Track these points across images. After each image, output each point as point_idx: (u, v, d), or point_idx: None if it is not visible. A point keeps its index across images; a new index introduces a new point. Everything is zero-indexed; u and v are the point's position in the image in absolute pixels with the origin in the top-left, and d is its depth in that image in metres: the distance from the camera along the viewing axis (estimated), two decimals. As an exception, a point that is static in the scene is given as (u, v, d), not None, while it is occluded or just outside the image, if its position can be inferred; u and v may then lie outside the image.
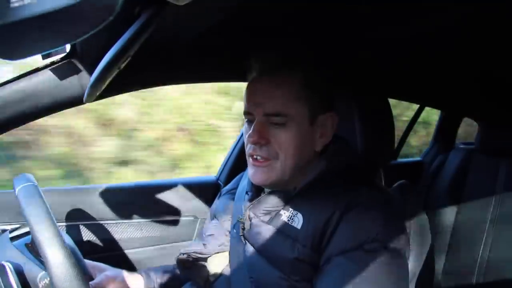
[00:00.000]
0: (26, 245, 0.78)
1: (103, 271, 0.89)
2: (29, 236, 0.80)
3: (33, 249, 0.75)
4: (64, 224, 1.26)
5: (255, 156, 0.81)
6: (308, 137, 0.81)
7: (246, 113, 0.83)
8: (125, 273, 0.93)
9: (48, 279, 0.66)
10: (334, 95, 0.86)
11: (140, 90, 1.05)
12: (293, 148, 0.79)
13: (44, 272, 0.69)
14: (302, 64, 0.81)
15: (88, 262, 0.89)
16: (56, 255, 0.58)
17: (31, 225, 0.61)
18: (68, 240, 0.81)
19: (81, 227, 1.29)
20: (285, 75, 0.79)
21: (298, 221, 0.79)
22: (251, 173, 0.83)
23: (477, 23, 0.84)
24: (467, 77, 1.31)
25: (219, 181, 1.58)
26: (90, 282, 0.84)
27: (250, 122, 0.83)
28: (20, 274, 0.69)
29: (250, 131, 0.80)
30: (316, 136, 0.82)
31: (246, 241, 0.87)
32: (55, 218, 0.65)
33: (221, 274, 0.94)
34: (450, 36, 0.93)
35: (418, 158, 2.22)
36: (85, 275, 0.74)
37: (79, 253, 0.83)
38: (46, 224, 0.61)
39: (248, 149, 0.83)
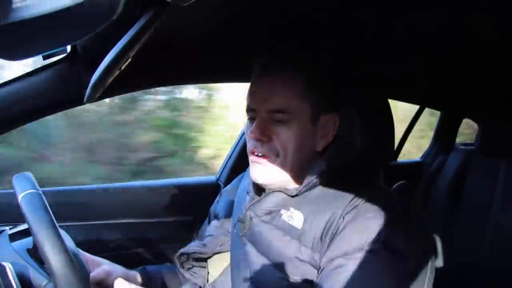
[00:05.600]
0: (28, 250, 0.77)
1: (100, 265, 0.89)
2: (30, 239, 0.80)
3: (35, 256, 0.75)
4: (64, 224, 1.26)
5: (256, 153, 0.81)
6: (309, 136, 0.81)
7: (249, 109, 0.83)
8: (123, 269, 0.93)
9: None
10: (338, 97, 0.86)
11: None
12: (294, 146, 0.79)
13: (49, 282, 0.68)
14: (306, 64, 0.82)
15: (84, 254, 0.89)
16: (64, 271, 0.58)
17: (36, 238, 0.61)
18: (70, 242, 0.80)
19: (81, 227, 1.29)
20: (289, 74, 0.79)
21: (298, 221, 0.79)
22: (252, 171, 0.83)
23: (477, 23, 0.85)
24: (467, 77, 1.31)
25: (219, 181, 1.58)
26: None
27: (252, 119, 0.83)
28: (24, 279, 0.69)
29: (252, 127, 0.80)
30: (318, 136, 0.82)
31: (247, 241, 0.87)
32: (55, 219, 0.65)
33: (221, 274, 0.94)
34: (450, 37, 0.94)
35: (418, 159, 2.23)
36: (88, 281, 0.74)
37: (80, 255, 0.82)
38: (53, 238, 0.60)
39: (250, 146, 0.83)
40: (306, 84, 0.79)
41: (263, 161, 0.80)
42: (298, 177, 0.83)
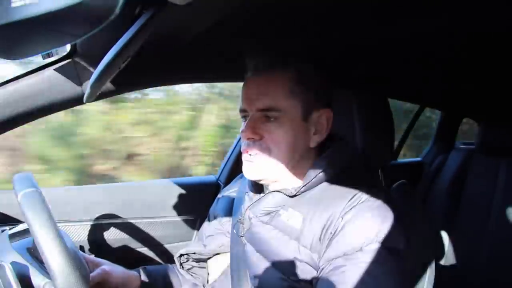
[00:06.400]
0: (28, 249, 0.77)
1: (100, 266, 0.89)
2: (30, 239, 0.80)
3: (35, 255, 0.75)
4: (64, 224, 1.26)
5: (249, 152, 0.82)
6: (301, 133, 0.81)
7: (241, 110, 0.84)
8: (123, 269, 0.93)
9: None
10: (331, 93, 0.87)
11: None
12: (286, 143, 0.80)
13: (48, 281, 0.68)
14: (295, 61, 0.82)
15: (85, 255, 0.89)
16: (63, 269, 0.58)
17: (35, 236, 0.60)
18: (69, 241, 0.80)
19: (81, 227, 1.29)
20: (279, 72, 0.80)
21: (297, 221, 0.79)
22: (244, 169, 0.84)
23: (476, 23, 0.84)
24: (467, 77, 1.31)
25: (219, 181, 1.58)
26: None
27: (245, 119, 0.84)
28: (24, 278, 0.69)
29: (244, 127, 0.81)
30: (311, 132, 0.83)
31: (246, 242, 0.87)
32: (55, 219, 0.65)
33: (221, 275, 0.94)
34: (450, 37, 0.94)
35: (418, 158, 2.22)
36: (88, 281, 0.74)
37: (80, 255, 0.82)
38: (53, 237, 0.60)
39: (243, 145, 0.84)
40: (295, 81, 0.80)
41: (256, 158, 0.81)
42: (293, 174, 0.83)
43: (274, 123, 0.79)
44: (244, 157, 0.83)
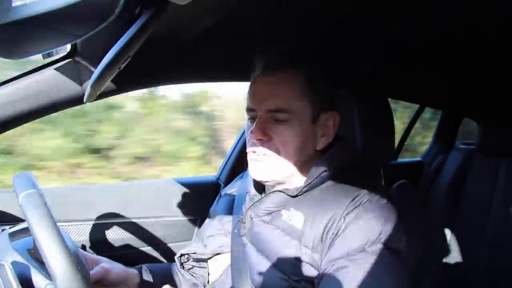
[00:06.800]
0: (29, 250, 0.77)
1: (99, 263, 0.89)
2: (30, 239, 0.80)
3: (36, 256, 0.75)
4: (64, 224, 1.26)
5: (256, 153, 0.81)
6: (310, 135, 0.81)
7: (249, 109, 0.83)
8: (122, 267, 0.93)
9: None
10: (334, 94, 0.86)
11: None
12: (294, 145, 0.79)
13: (49, 282, 0.68)
14: (306, 62, 0.82)
15: (84, 254, 0.89)
16: (64, 271, 0.58)
17: (37, 239, 0.60)
18: (70, 242, 0.80)
19: (81, 226, 1.29)
20: (289, 72, 0.79)
21: (299, 221, 0.78)
22: (251, 169, 0.83)
23: (476, 23, 0.85)
24: (467, 77, 1.31)
25: (219, 181, 1.58)
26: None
27: (252, 119, 0.83)
28: (24, 279, 0.69)
29: (253, 127, 0.80)
30: (318, 134, 0.82)
31: (247, 241, 0.87)
32: (56, 217, 0.65)
33: (221, 275, 0.94)
34: (451, 37, 0.94)
35: (418, 158, 2.23)
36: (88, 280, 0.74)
37: (80, 254, 0.82)
38: (54, 239, 0.60)
39: (250, 145, 0.83)
40: (305, 82, 0.79)
41: (263, 159, 0.80)
42: (298, 176, 0.83)
43: (284, 125, 0.79)
44: (251, 156, 0.83)
